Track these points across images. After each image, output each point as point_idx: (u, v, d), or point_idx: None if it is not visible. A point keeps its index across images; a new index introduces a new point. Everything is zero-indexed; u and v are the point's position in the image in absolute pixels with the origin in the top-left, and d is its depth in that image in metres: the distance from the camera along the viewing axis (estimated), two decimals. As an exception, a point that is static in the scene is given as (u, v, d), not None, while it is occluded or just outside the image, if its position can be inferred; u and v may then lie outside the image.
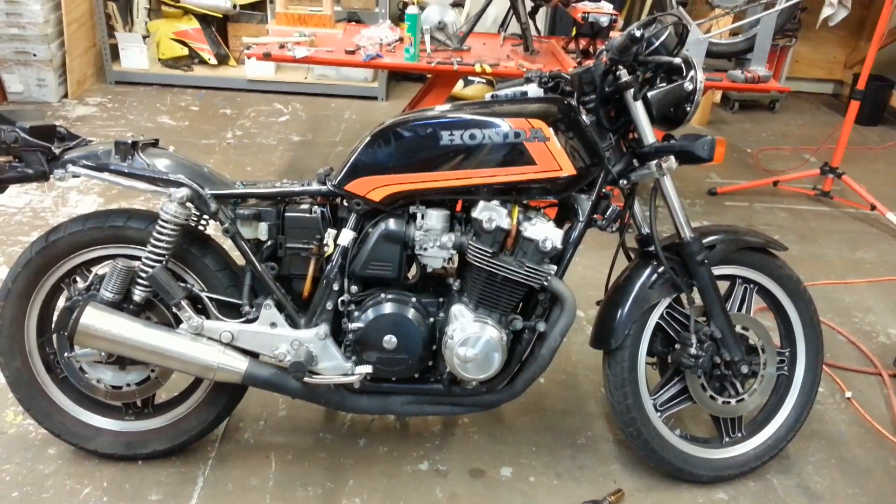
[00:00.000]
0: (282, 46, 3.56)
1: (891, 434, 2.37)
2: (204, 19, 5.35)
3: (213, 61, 5.41)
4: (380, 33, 3.72)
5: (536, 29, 4.13)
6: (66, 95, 4.94)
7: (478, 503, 2.01)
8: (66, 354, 1.94)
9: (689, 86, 1.81)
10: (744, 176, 4.47)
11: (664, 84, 1.85)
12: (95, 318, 1.81)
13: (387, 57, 3.56)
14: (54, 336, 1.96)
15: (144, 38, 5.26)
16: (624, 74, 1.82)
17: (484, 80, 5.21)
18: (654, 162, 1.86)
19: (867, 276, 3.41)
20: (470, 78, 5.22)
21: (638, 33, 1.73)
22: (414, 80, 5.81)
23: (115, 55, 5.28)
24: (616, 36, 1.81)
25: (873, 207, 4.00)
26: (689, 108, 1.83)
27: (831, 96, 6.42)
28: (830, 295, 3.21)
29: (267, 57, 3.50)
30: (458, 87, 5.14)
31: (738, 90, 4.69)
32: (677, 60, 1.81)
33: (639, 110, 1.84)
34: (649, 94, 1.83)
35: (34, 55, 4.67)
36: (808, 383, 2.15)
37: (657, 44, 1.82)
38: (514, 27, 3.98)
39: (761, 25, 3.52)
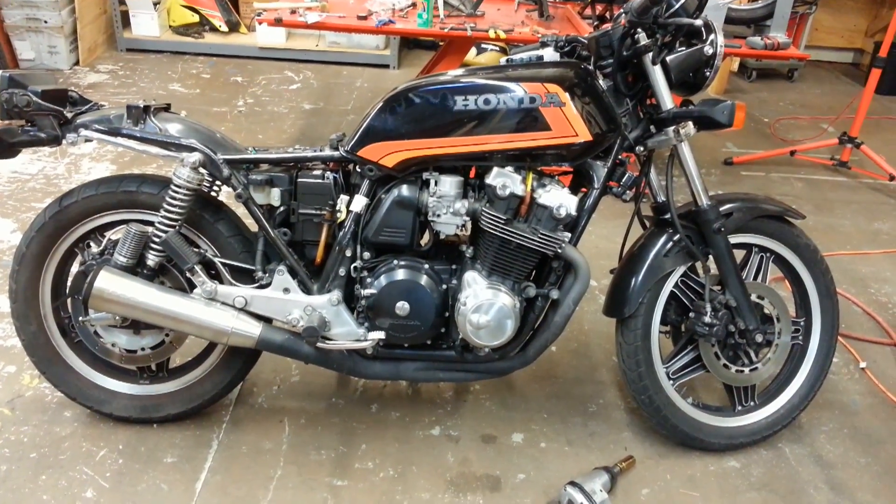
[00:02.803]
0: (293, 12, 3.52)
1: (905, 405, 2.37)
2: (214, -15, 5.31)
3: (224, 28, 5.36)
4: (392, -2, 3.67)
5: (551, -6, 4.05)
6: (77, 63, 4.92)
7: (489, 468, 2.03)
8: (80, 318, 1.95)
9: (709, 50, 1.77)
10: (760, 145, 4.41)
11: (683, 48, 1.82)
12: (110, 282, 1.82)
13: (399, 23, 3.51)
14: (69, 300, 1.97)
15: (155, 4, 5.22)
16: (643, 38, 1.77)
17: (497, 48, 5.14)
18: (672, 128, 1.84)
19: (884, 247, 3.37)
20: (483, 45, 5.15)
21: (658, -6, 1.69)
22: (426, 48, 5.75)
23: (126, 22, 5.25)
24: (635, -2, 1.77)
25: (892, 178, 3.94)
26: (708, 73, 1.80)
27: (851, 65, 6.31)
28: (847, 265, 3.18)
29: (278, 22, 3.46)
30: (471, 55, 5.08)
31: (757, 57, 4.61)
32: (698, 23, 1.77)
33: (657, 75, 1.81)
34: (668, 59, 1.79)
35: (45, 22, 4.65)
36: (823, 353, 2.14)
37: (677, 6, 1.77)
38: (528, -8, 3.91)
39: (782, -9, 3.45)
